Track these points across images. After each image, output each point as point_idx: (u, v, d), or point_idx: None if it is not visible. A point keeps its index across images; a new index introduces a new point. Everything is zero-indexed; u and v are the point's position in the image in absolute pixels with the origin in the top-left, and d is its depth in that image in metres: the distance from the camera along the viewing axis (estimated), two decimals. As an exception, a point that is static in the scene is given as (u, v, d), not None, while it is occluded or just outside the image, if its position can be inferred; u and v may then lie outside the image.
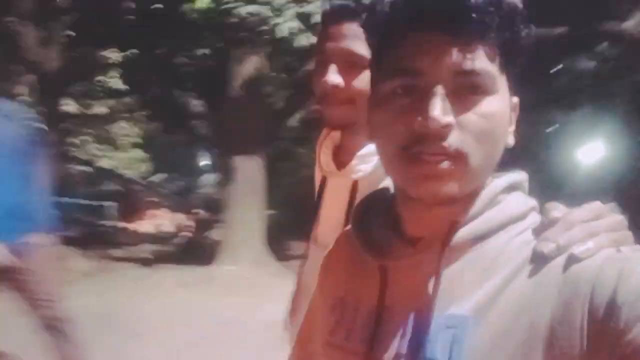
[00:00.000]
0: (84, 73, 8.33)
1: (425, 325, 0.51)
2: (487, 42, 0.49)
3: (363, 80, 0.87)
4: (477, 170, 0.51)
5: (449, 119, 0.48)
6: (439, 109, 0.47)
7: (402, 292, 0.55)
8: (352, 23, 0.88)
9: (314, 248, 1.08)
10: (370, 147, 0.89)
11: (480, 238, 0.53)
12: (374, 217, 0.60)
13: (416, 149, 0.49)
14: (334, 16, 0.94)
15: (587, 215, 0.51)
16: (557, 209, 0.52)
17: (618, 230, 0.51)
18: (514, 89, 0.55)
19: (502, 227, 0.53)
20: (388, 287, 0.56)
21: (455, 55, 0.48)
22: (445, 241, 0.52)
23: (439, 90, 0.48)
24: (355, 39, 0.87)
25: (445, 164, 0.49)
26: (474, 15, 0.47)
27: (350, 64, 0.91)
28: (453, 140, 0.48)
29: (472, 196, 0.53)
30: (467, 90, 0.49)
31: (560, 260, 0.48)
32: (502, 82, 0.52)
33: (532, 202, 0.56)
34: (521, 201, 0.56)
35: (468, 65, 0.49)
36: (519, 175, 0.57)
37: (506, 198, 0.55)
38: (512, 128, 0.55)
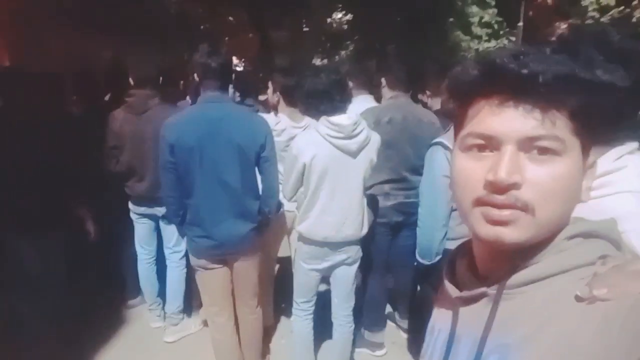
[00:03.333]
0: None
1: (479, 353, 0.60)
2: (557, 109, 0.54)
3: None
4: (544, 224, 0.56)
5: (516, 178, 0.54)
6: (506, 168, 0.54)
7: (467, 322, 0.64)
8: None
9: None
10: None
11: (536, 281, 0.58)
12: (460, 258, 0.70)
13: (487, 198, 0.56)
14: None
15: None
16: (619, 259, 0.55)
17: None
18: (590, 149, 0.58)
19: (559, 272, 0.57)
20: (459, 317, 0.66)
21: (524, 121, 0.55)
22: (504, 282, 0.59)
23: (509, 150, 0.55)
24: None
25: (512, 212, 0.55)
26: (541, 89, 0.53)
27: None
28: (521, 195, 0.54)
29: (540, 243, 0.58)
30: (536, 151, 0.55)
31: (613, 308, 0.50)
32: (574, 145, 0.56)
33: (606, 250, 0.58)
34: (590, 249, 0.58)
35: (536, 131, 0.54)
36: (599, 225, 0.60)
37: (574, 246, 0.58)
38: (588, 185, 0.60)
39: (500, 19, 13.27)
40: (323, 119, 2.26)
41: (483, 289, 0.62)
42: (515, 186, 0.54)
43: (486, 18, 13.07)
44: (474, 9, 12.86)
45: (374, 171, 2.44)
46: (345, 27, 13.44)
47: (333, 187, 2.28)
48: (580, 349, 0.50)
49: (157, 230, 3.23)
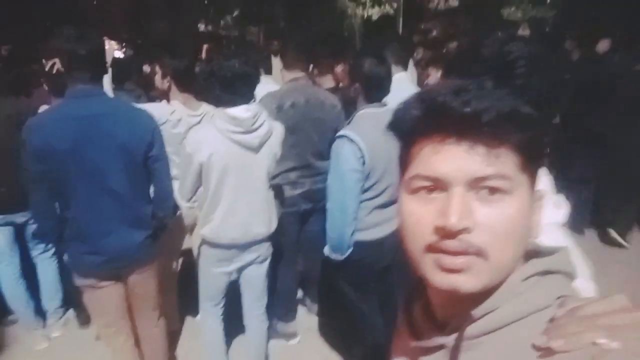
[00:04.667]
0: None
1: None
2: (501, 145, 0.52)
3: None
4: (499, 268, 0.54)
5: (467, 222, 0.52)
6: (457, 213, 0.51)
7: None
8: None
9: None
10: None
11: (495, 330, 0.55)
12: (416, 301, 0.67)
13: (439, 245, 0.53)
14: None
15: (605, 309, 0.50)
16: (577, 300, 0.53)
17: None
18: (535, 182, 0.57)
19: (519, 318, 0.54)
20: None
21: (470, 160, 0.52)
22: (462, 333, 0.57)
23: (457, 193, 0.52)
24: None
25: (466, 259, 0.52)
26: (485, 128, 0.51)
27: None
28: (473, 239, 0.52)
29: (496, 286, 0.55)
30: (486, 191, 0.52)
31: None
32: (522, 181, 0.54)
33: (562, 290, 0.56)
34: (548, 290, 0.56)
35: (484, 171, 0.52)
36: (553, 260, 0.58)
37: (531, 287, 0.56)
38: (538, 219, 0.57)
39: None
40: (220, 111, 2.03)
41: (441, 340, 0.59)
42: (466, 230, 0.52)
43: None
44: None
45: (279, 159, 2.28)
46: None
47: (236, 186, 2.09)
48: None
49: (19, 239, 2.79)
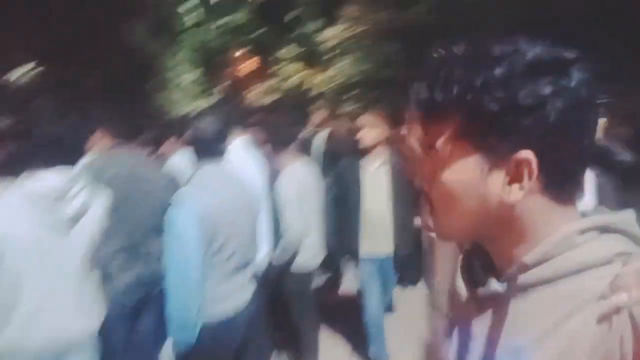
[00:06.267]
0: None
1: (492, 352, 0.60)
2: (449, 117, 0.58)
3: None
4: (448, 225, 0.62)
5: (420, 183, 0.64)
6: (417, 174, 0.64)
7: (483, 320, 0.62)
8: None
9: None
10: None
11: (549, 281, 0.55)
12: (475, 255, 0.67)
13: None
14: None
15: None
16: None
17: None
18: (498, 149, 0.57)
19: (573, 272, 0.54)
20: (477, 315, 0.64)
21: (417, 130, 0.62)
22: (514, 282, 0.58)
23: (414, 157, 0.63)
24: None
25: (430, 213, 0.63)
26: (425, 96, 0.59)
27: None
28: (429, 199, 0.63)
29: (533, 234, 0.57)
30: (431, 158, 0.60)
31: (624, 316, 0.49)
32: (469, 151, 0.58)
33: (624, 247, 0.55)
34: (606, 246, 0.55)
35: (427, 139, 0.61)
36: (616, 217, 0.56)
37: (588, 241, 0.55)
38: (506, 183, 0.57)
39: (205, 79, 14.01)
40: (18, 183, 1.62)
41: (495, 286, 0.61)
42: (425, 188, 0.63)
43: (189, 79, 13.61)
44: (179, 69, 13.19)
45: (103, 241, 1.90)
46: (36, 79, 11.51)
47: (43, 277, 1.64)
48: (588, 354, 0.50)
49: None
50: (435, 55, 0.60)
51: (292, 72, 13.00)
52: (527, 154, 0.55)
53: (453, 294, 0.73)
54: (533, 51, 0.55)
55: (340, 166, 3.19)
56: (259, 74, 13.95)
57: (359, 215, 2.99)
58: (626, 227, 0.56)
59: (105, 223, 1.85)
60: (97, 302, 1.84)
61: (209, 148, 1.92)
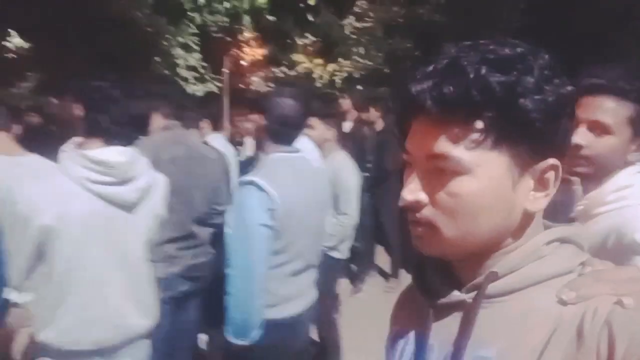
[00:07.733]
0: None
1: None
2: (477, 121, 0.54)
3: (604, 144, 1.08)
4: (454, 240, 0.57)
5: (418, 196, 0.57)
6: (408, 188, 0.57)
7: (442, 330, 0.60)
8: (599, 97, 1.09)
9: None
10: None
11: (516, 290, 0.56)
12: (429, 262, 0.65)
13: (408, 215, 0.59)
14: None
15: (621, 275, 0.55)
16: (597, 265, 0.57)
17: None
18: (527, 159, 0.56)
19: (541, 281, 0.56)
20: (433, 325, 0.61)
21: (428, 140, 0.56)
22: (482, 292, 0.57)
23: (416, 169, 0.58)
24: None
25: (421, 230, 0.58)
26: (441, 104, 0.53)
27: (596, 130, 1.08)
28: (425, 213, 0.57)
29: (512, 246, 0.58)
30: (438, 171, 0.56)
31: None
32: (483, 160, 0.54)
33: (582, 257, 0.58)
34: (568, 256, 0.58)
35: (435, 149, 0.55)
36: (571, 230, 0.60)
37: (553, 252, 0.58)
38: (535, 193, 0.57)
39: (205, 64, 13.75)
40: (74, 153, 1.44)
41: (460, 296, 0.59)
42: (419, 204, 0.56)
43: (191, 62, 13.36)
44: (179, 51, 12.93)
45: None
46: (26, 55, 11.27)
47: (100, 261, 1.45)
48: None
49: None
50: (454, 51, 0.55)
51: (302, 61, 12.96)
52: (554, 160, 0.56)
53: (401, 303, 0.73)
54: (552, 56, 0.55)
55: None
56: (267, 61, 13.94)
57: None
58: (578, 239, 0.59)
59: (165, 209, 1.67)
60: (153, 295, 1.65)
61: (286, 133, 1.73)
